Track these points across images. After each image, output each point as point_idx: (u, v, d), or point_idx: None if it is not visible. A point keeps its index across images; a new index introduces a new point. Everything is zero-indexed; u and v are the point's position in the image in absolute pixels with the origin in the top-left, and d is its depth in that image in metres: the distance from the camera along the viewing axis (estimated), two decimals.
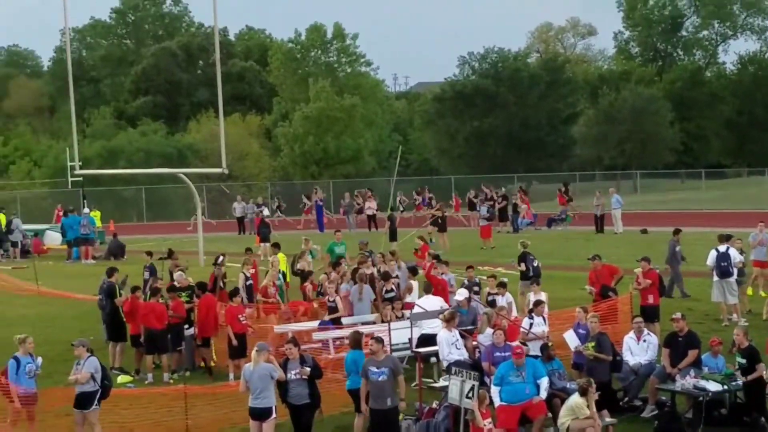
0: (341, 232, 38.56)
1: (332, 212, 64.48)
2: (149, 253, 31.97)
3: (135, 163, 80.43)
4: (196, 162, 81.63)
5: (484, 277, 29.18)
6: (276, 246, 33.40)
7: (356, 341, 19.47)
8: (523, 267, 30.04)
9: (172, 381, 24.06)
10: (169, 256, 31.81)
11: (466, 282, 27.14)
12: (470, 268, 28.32)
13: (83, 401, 18.63)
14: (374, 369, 17.91)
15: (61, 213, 53.13)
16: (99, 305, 26.92)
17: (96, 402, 18.65)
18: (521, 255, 30.37)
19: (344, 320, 25.92)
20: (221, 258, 30.45)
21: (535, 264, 30.12)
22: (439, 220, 47.76)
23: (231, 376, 23.74)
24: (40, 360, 19.46)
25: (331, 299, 26.08)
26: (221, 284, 28.27)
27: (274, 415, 17.93)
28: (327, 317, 25.92)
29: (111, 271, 27.16)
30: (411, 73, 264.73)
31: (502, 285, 25.91)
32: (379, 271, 28.49)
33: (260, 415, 17.89)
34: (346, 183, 74.39)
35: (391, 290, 26.96)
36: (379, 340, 18.38)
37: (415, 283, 27.92)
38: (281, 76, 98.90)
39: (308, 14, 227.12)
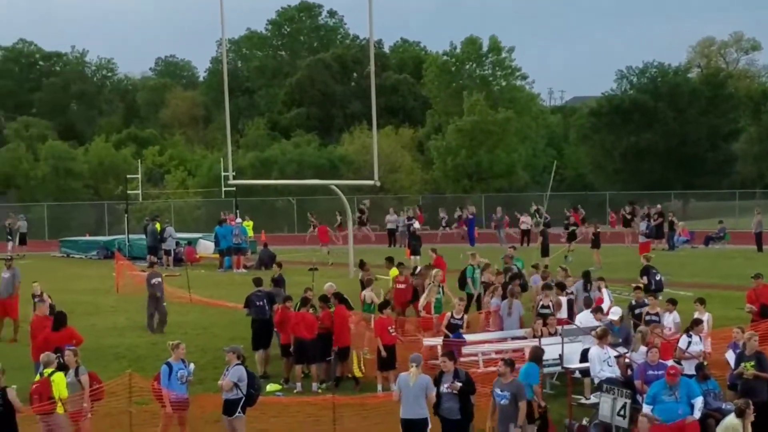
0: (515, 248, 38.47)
1: (483, 227, 64.15)
2: (279, 265, 32.18)
3: (287, 174, 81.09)
4: (349, 174, 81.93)
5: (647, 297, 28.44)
6: (390, 260, 33.29)
7: (536, 355, 19.18)
8: (645, 281, 29.53)
9: (320, 390, 24.01)
10: (361, 267, 32.10)
11: (633, 302, 26.46)
12: (638, 288, 27.55)
13: (228, 408, 18.70)
14: (498, 391, 17.58)
15: (232, 220, 53.88)
16: (259, 311, 26.96)
17: (240, 410, 18.66)
18: (644, 269, 29.91)
19: (493, 335, 25.61)
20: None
21: (658, 278, 29.58)
22: (592, 237, 47.09)
23: (379, 387, 23.56)
24: (192, 366, 19.60)
25: (457, 316, 25.49)
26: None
27: (429, 426, 17.68)
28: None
29: (259, 281, 27.39)
30: (567, 87, 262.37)
31: (672, 302, 25.27)
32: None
33: (413, 426, 17.65)
34: (498, 197, 73.86)
35: (548, 306, 26.35)
36: (508, 363, 17.95)
37: (564, 299, 27.35)
38: (435, 88, 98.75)
39: (464, 27, 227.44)
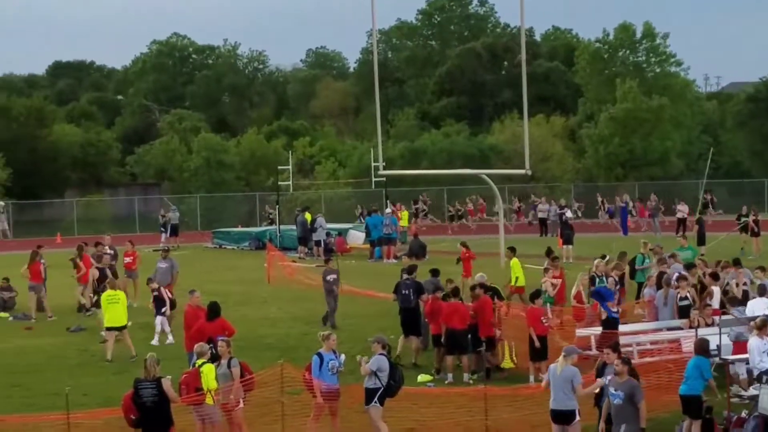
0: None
1: (636, 215, 63.08)
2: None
3: (437, 164, 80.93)
4: (499, 163, 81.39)
5: None
6: (512, 249, 32.97)
7: (702, 347, 18.65)
8: None
9: (471, 381, 23.82)
10: (547, 255, 31.86)
11: None
12: None
13: (366, 397, 18.81)
14: (612, 390, 17.02)
15: (399, 209, 54.06)
16: (404, 300, 26.93)
17: (376, 400, 18.67)
18: None
19: (649, 325, 25.07)
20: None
21: None
22: (752, 225, 45.83)
23: (531, 378, 23.26)
24: (343, 357, 19.58)
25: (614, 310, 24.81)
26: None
27: (577, 418, 17.34)
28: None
29: (411, 269, 27.32)
30: (723, 73, 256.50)
31: None
32: None
33: (562, 417, 17.40)
34: (652, 185, 72.57)
35: (686, 297, 25.45)
36: (625, 361, 17.37)
37: (716, 289, 26.49)
38: (587, 76, 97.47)
39: (617, 13, 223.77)
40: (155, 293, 29.62)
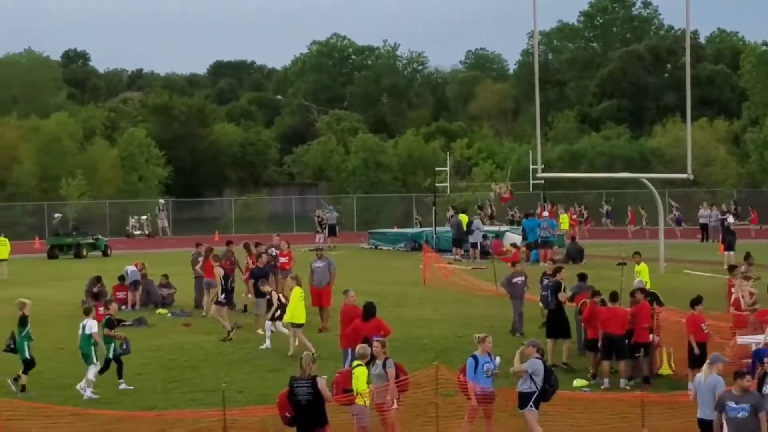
0: None
1: None
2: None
3: (597, 167, 79.94)
4: (660, 167, 79.95)
5: None
6: (638, 254, 32.85)
7: None
8: None
9: (628, 387, 23.36)
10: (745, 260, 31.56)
11: None
12: None
13: (521, 400, 18.64)
14: (733, 404, 16.25)
15: (572, 213, 53.66)
16: (542, 301, 26.69)
17: (531, 403, 18.50)
18: None
19: None
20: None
21: None
22: None
23: (690, 385, 22.63)
24: (498, 360, 19.41)
25: None
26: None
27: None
28: None
29: (555, 271, 27.13)
30: None
31: None
32: None
33: (705, 427, 17.06)
34: None
35: None
36: (740, 374, 16.64)
37: None
38: (753, 79, 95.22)
39: None
40: (267, 297, 29.59)
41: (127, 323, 31.67)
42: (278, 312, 28.65)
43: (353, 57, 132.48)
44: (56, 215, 68.67)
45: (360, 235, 66.96)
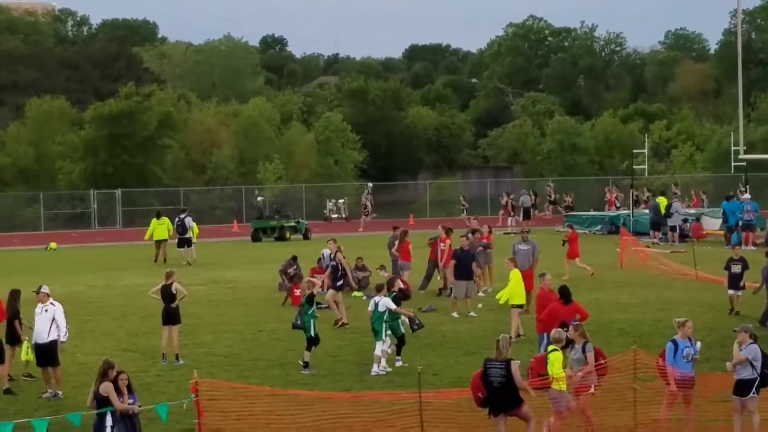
0: None
1: None
2: None
3: None
4: None
5: None
6: None
7: None
8: None
9: None
10: None
11: None
12: None
13: (741, 388, 18.04)
14: None
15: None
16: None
17: (754, 390, 17.96)
18: None
19: None
20: None
21: None
22: None
23: None
24: (699, 345, 18.91)
25: None
26: None
27: None
28: None
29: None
30: None
31: None
32: None
33: None
34: None
35: None
36: None
37: None
38: None
39: None
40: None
41: (323, 306, 32.04)
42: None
43: (549, 39, 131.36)
44: (259, 198, 69.95)
45: (555, 219, 66.39)
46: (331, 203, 75.78)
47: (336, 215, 74.45)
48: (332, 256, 31.56)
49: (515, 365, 17.32)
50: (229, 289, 38.04)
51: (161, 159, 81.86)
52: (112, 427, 15.78)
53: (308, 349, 23.97)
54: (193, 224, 48.48)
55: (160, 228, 48.47)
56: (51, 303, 21.45)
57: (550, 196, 73.65)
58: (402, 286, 26.94)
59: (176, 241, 47.84)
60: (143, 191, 75.83)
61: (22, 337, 22.68)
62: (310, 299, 24.38)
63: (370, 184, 77.02)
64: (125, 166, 79.25)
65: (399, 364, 24.11)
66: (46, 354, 21.29)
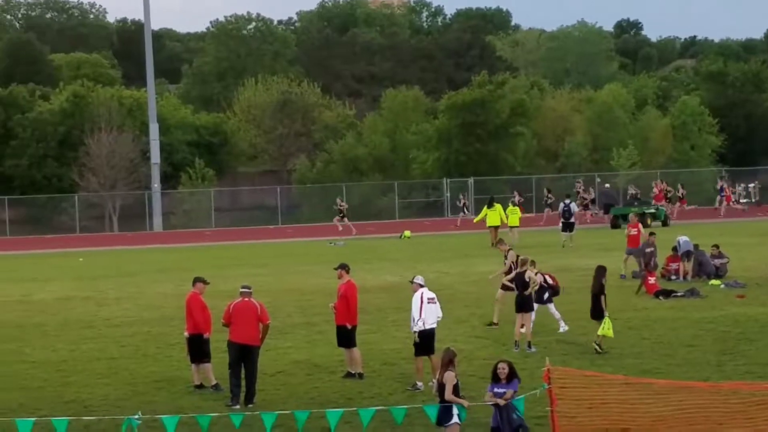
0: None
1: None
2: None
3: None
4: None
5: None
6: None
7: None
8: None
9: None
10: None
11: None
12: None
13: None
14: None
15: None
16: None
17: None
18: None
19: None
20: None
21: None
22: None
23: None
24: None
25: None
26: None
27: None
28: None
29: None
30: None
31: None
32: None
33: None
34: None
35: None
36: None
37: None
38: None
39: None
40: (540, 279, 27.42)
41: (679, 294, 31.22)
42: (546, 294, 27.00)
43: None
44: (606, 186, 69.26)
45: None
46: (741, 187, 73.80)
47: (745, 200, 72.39)
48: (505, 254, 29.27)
49: None
50: (581, 277, 37.63)
51: (513, 147, 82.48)
52: (458, 415, 15.74)
53: None
54: (576, 210, 52.21)
55: (493, 214, 51.59)
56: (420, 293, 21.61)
57: None
58: None
59: (560, 225, 51.32)
60: (495, 179, 76.42)
61: (605, 312, 23.92)
62: None
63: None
64: (478, 154, 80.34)
65: None
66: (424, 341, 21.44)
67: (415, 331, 21.22)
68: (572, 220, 50.55)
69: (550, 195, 64.00)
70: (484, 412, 16.92)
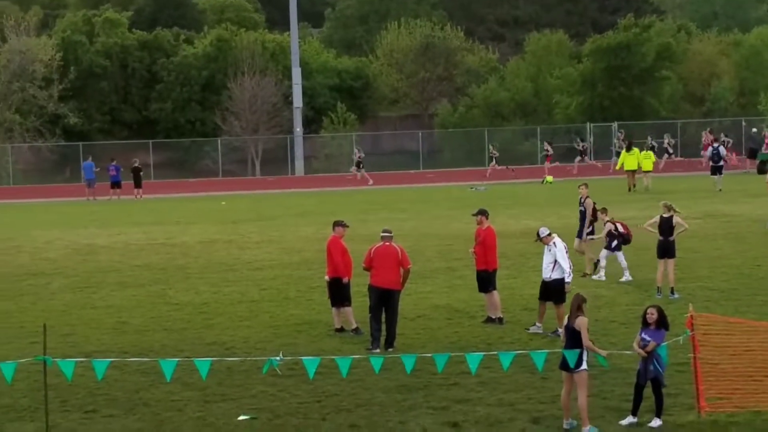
0: None
1: None
2: None
3: None
4: None
5: None
6: None
7: None
8: None
9: None
10: None
11: None
12: None
13: None
14: None
15: None
16: None
17: None
18: None
19: None
20: None
21: None
22: None
23: None
24: None
25: None
26: None
27: None
28: None
29: None
30: None
31: None
32: None
33: None
34: None
35: None
36: None
37: None
38: None
39: None
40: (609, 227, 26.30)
41: None
42: (614, 242, 26.08)
43: None
44: (753, 130, 67.57)
45: None
46: None
47: None
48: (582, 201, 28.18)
49: None
50: (726, 223, 36.99)
51: (659, 91, 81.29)
52: (586, 361, 15.52)
53: None
54: (725, 152, 53.47)
55: (630, 158, 52.05)
56: (553, 243, 21.36)
57: None
58: None
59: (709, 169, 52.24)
60: (639, 123, 75.34)
61: None
62: None
63: None
64: (622, 98, 79.42)
65: None
66: (548, 290, 21.25)
67: (568, 282, 21.03)
68: (721, 163, 50.72)
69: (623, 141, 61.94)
70: (626, 358, 16.76)
